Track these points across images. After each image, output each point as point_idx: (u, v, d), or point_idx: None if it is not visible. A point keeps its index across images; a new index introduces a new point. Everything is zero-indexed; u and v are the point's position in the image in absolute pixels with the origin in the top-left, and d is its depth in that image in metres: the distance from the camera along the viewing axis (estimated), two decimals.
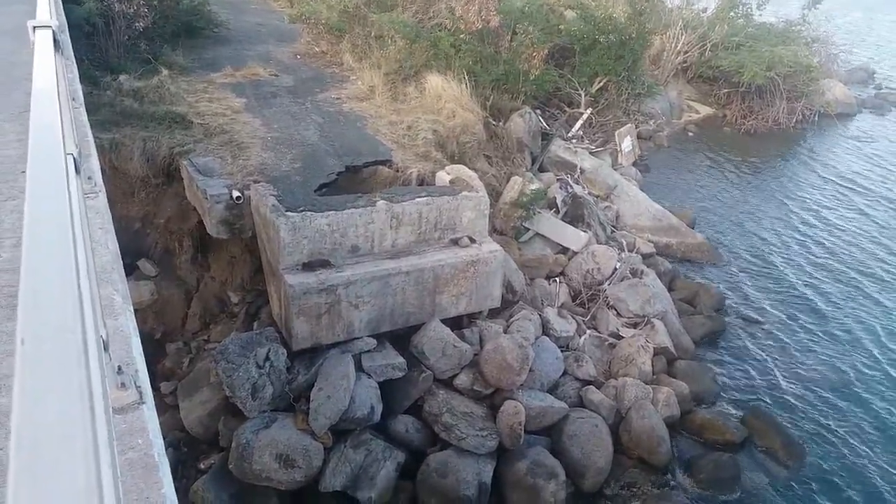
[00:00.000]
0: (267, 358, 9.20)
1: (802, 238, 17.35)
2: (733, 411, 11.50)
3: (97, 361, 1.31)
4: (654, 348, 11.75)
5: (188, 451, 9.68)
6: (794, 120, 24.75)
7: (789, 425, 11.20)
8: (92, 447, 0.89)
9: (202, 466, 9.41)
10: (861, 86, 30.97)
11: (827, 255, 16.57)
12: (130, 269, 11.20)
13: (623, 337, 11.96)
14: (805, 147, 23.97)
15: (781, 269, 15.87)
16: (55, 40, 3.00)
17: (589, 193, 15.81)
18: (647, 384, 11.08)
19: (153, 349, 10.75)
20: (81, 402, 0.95)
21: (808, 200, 19.55)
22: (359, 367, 9.66)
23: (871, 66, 33.67)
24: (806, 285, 15.25)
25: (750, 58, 23.91)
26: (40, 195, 1.43)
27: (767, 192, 20.06)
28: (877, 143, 24.60)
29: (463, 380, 10.08)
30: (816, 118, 25.36)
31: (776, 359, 12.82)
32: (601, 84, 19.17)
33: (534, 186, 13.64)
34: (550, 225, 13.79)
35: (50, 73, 2.44)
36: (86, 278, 1.56)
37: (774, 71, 23.69)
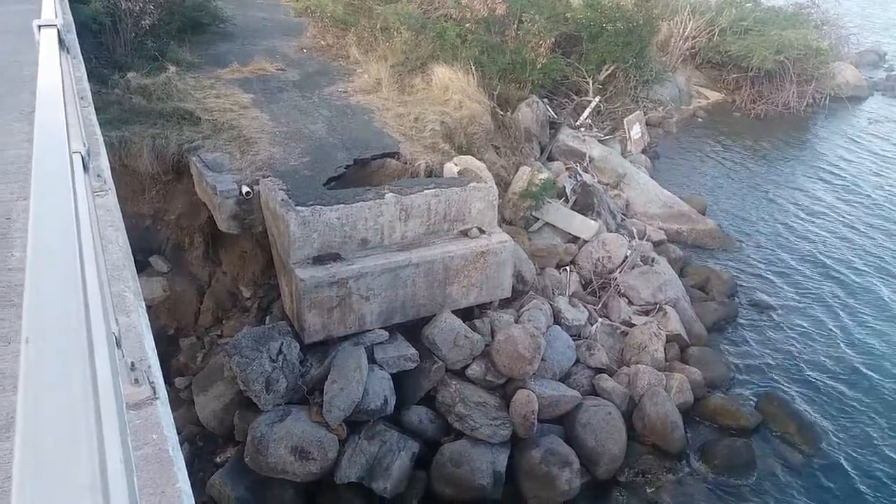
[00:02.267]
0: (280, 351, 9.25)
1: (814, 222, 17.23)
2: (747, 397, 11.47)
3: (106, 358, 1.32)
4: (666, 335, 11.72)
5: (204, 446, 9.75)
6: (805, 104, 24.51)
7: (804, 410, 11.15)
8: (96, 444, 0.90)
9: (218, 460, 9.49)
10: (872, 68, 30.59)
11: (839, 240, 16.45)
12: (142, 266, 11.26)
13: (635, 324, 11.93)
14: (816, 131, 23.77)
15: (793, 253, 15.78)
16: (60, 39, 3.00)
17: (598, 182, 15.76)
18: (659, 371, 11.07)
19: (167, 345, 10.83)
20: (85, 400, 0.96)
21: (819, 184, 19.40)
22: (371, 359, 9.70)
23: (883, 48, 33.26)
24: (818, 270, 15.16)
25: (759, 42, 23.69)
26: (45, 193, 1.44)
27: (778, 176, 19.93)
28: (889, 125, 24.34)
29: (475, 370, 10.10)
30: (827, 102, 25.10)
31: (790, 344, 12.76)
32: (609, 71, 19.05)
33: (543, 176, 13.59)
34: (560, 214, 13.75)
35: (55, 72, 2.45)
36: (95, 275, 1.57)
37: (784, 55, 23.46)
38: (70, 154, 1.70)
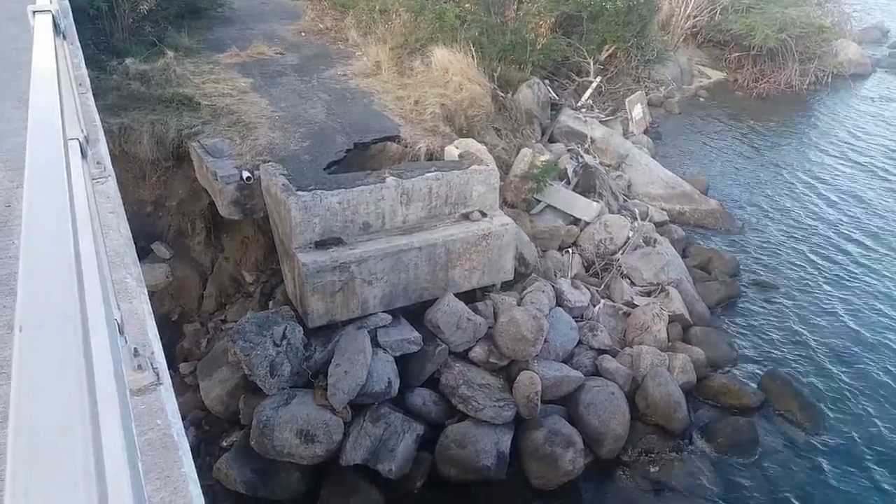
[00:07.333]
0: (284, 336, 9.27)
1: (817, 202, 17.17)
2: (750, 376, 11.50)
3: (108, 345, 1.32)
4: (668, 316, 11.72)
5: (210, 430, 9.81)
6: (807, 82, 24.33)
7: (806, 388, 11.18)
8: (91, 430, 0.90)
9: (224, 444, 9.55)
10: (875, 45, 30.30)
11: (842, 218, 16.40)
12: (145, 253, 11.27)
13: (637, 305, 11.94)
14: (819, 109, 23.61)
15: (796, 233, 15.75)
16: (56, 24, 2.98)
17: (600, 163, 15.70)
18: (662, 351, 11.08)
19: (170, 331, 10.86)
20: (80, 387, 0.96)
21: (822, 163, 19.31)
22: (375, 343, 9.72)
23: (886, 25, 32.95)
24: (821, 249, 15.13)
25: (761, 20, 23.49)
26: (38, 179, 1.43)
27: (781, 155, 19.83)
28: (892, 103, 24.18)
29: (478, 352, 10.13)
30: (830, 79, 24.91)
31: (792, 323, 12.77)
32: (610, 51, 18.92)
33: (544, 158, 13.55)
34: (562, 196, 13.72)
35: (49, 57, 2.44)
36: (94, 262, 1.56)
37: (786, 33, 23.27)
38: (66, 140, 1.69)
